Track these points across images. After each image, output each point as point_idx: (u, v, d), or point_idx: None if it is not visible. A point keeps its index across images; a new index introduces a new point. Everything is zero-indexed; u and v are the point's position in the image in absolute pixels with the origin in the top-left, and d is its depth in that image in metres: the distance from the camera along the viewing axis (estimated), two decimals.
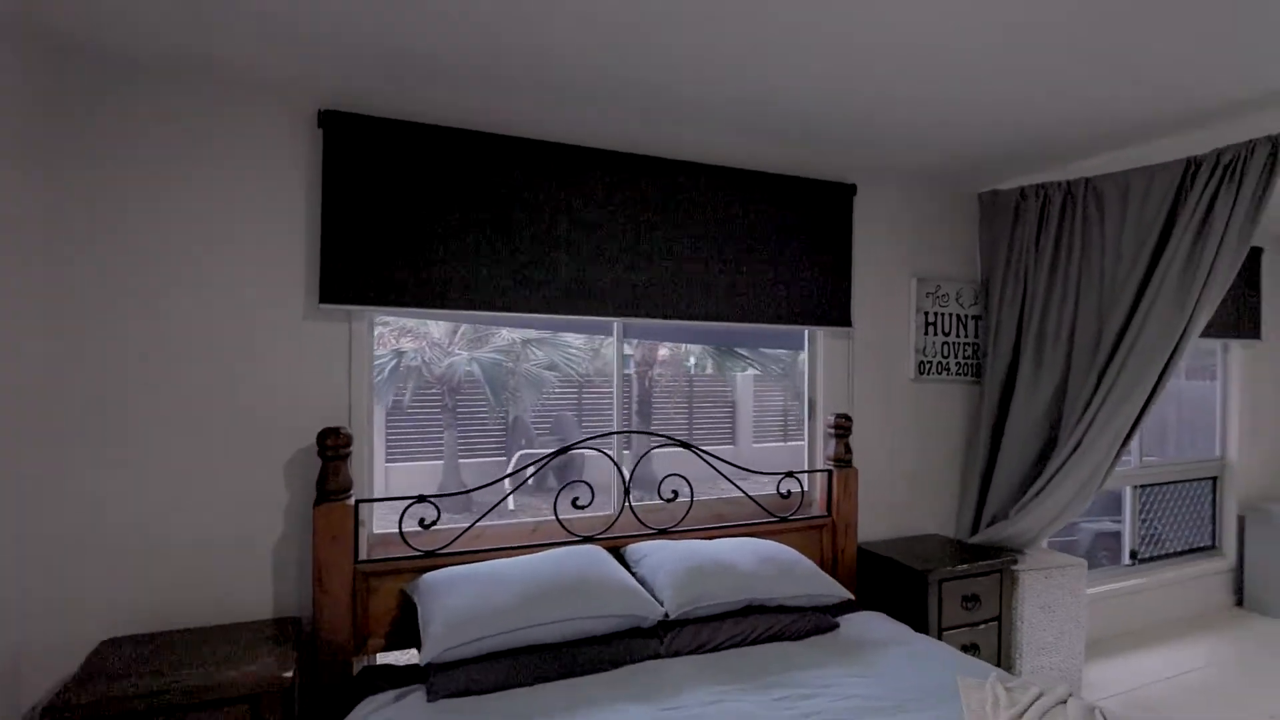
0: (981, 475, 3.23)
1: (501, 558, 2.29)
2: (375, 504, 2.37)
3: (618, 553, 2.50)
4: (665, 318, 2.67)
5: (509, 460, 3.90)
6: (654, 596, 2.24)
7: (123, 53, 1.98)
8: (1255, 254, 4.28)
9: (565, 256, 2.49)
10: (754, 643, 2.22)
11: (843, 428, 2.90)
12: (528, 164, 2.44)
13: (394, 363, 3.86)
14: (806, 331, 3.11)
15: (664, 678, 1.97)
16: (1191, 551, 4.30)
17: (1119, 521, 4.16)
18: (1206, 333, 3.82)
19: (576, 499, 2.50)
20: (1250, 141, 2.41)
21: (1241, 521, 4.30)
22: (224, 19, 1.81)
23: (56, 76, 1.94)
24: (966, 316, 3.39)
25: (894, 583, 2.81)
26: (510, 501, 2.74)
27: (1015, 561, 2.89)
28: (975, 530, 3.23)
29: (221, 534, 2.11)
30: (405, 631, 2.21)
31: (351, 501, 2.14)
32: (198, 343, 2.09)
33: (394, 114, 2.27)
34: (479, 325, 3.87)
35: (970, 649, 2.72)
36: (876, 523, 3.15)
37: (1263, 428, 4.45)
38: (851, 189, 3.04)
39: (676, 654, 2.13)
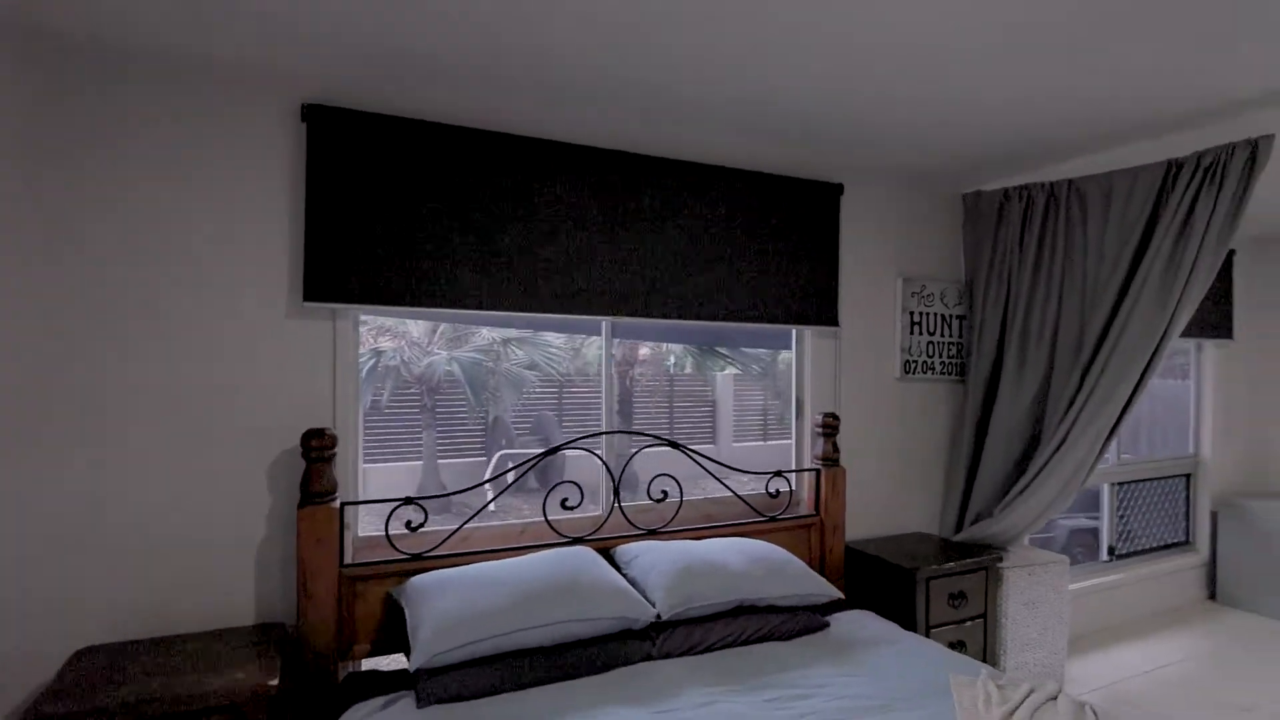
0: (966, 473, 3.26)
1: (489, 560, 2.26)
2: (359, 506, 2.33)
3: (608, 554, 2.48)
4: (654, 317, 2.65)
5: (489, 461, 3.86)
6: (645, 598, 2.22)
7: (121, 51, 1.94)
8: (1228, 255, 4.37)
9: (553, 255, 2.47)
10: (745, 643, 2.21)
11: (830, 427, 2.91)
12: (515, 161, 2.40)
13: (373, 362, 3.79)
14: (794, 331, 3.11)
15: (656, 680, 1.96)
16: (1166, 547, 4.39)
17: (1095, 518, 4.23)
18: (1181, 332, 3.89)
19: (565, 500, 2.47)
20: (1229, 144, 2.45)
21: (1214, 517, 4.40)
22: (224, 19, 1.79)
23: (56, 75, 1.89)
24: (951, 316, 3.42)
25: (882, 581, 2.82)
26: (491, 503, 2.71)
27: (1000, 559, 2.92)
28: (960, 528, 3.26)
29: (202, 537, 2.05)
30: (391, 636, 2.17)
31: (337, 504, 2.09)
32: (177, 342, 2.03)
33: (380, 108, 2.23)
34: (459, 324, 3.81)
35: (957, 646, 2.75)
36: (863, 521, 3.17)
37: (1235, 426, 4.55)
38: (838, 189, 3.04)
39: (668, 656, 2.12)
